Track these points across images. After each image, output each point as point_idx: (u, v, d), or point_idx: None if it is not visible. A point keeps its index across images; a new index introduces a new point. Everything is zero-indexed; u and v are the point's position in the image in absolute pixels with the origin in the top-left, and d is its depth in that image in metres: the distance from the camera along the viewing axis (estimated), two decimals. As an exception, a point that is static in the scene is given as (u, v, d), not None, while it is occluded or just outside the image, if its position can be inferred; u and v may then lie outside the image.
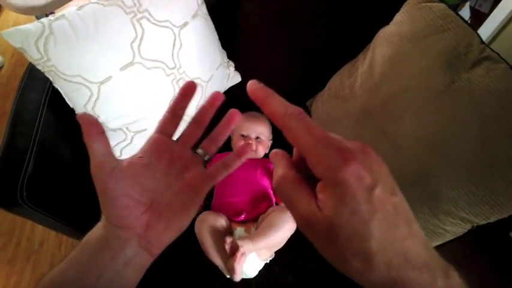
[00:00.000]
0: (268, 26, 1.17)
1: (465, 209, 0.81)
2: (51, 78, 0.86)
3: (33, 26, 0.80)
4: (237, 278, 0.85)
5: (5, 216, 1.45)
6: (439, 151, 0.82)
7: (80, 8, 0.85)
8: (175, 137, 0.39)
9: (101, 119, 0.93)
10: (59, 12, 0.85)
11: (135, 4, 0.89)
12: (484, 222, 0.81)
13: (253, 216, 0.99)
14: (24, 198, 0.83)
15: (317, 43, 1.16)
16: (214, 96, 0.38)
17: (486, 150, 0.76)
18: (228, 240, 0.86)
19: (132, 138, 1.00)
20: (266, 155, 1.12)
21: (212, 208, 1.01)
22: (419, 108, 0.85)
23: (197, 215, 0.93)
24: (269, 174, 1.03)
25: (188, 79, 1.04)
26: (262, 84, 0.29)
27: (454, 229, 0.86)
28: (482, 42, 0.81)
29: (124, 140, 0.99)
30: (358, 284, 0.26)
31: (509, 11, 1.22)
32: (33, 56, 0.80)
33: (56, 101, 0.92)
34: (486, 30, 1.31)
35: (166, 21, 0.94)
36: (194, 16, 1.00)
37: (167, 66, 0.97)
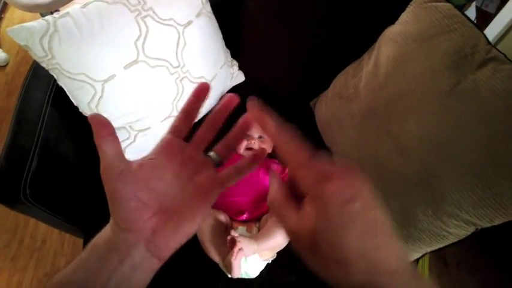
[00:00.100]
0: (272, 25, 1.17)
1: (469, 212, 0.80)
2: (55, 76, 0.86)
3: (37, 23, 0.80)
4: (234, 274, 0.85)
5: (8, 213, 1.46)
6: (443, 152, 0.82)
7: (85, 5, 0.85)
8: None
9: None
10: (63, 10, 0.85)
11: (139, 2, 0.89)
12: (489, 225, 0.81)
13: (255, 216, 0.98)
14: (28, 196, 0.83)
15: (321, 42, 1.15)
16: (229, 99, 0.38)
17: (491, 152, 0.75)
18: (233, 233, 0.86)
19: (135, 136, 1.00)
20: (269, 155, 1.12)
21: (213, 207, 1.01)
22: (424, 108, 0.84)
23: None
24: (272, 173, 1.02)
25: (192, 78, 1.03)
26: (261, 103, 0.33)
27: (457, 231, 0.86)
28: (488, 42, 0.81)
29: (127, 138, 0.99)
30: None
31: (516, 11, 1.21)
32: (38, 53, 0.80)
33: (60, 99, 0.92)
34: (492, 30, 1.29)
35: (171, 19, 0.94)
36: (198, 15, 1.00)
37: (171, 64, 0.97)
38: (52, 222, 0.99)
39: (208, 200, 0.35)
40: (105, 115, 0.97)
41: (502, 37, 1.29)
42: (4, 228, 1.55)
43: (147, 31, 0.90)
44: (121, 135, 0.98)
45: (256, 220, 0.98)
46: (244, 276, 0.90)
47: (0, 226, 1.55)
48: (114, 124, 0.94)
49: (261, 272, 0.92)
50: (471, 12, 1.58)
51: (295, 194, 0.31)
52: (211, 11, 1.07)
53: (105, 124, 0.30)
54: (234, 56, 1.25)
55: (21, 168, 0.84)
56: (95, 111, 0.91)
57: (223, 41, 1.16)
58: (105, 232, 0.32)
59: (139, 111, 0.97)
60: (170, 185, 0.34)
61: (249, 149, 1.05)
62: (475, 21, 0.83)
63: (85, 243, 1.00)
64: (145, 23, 0.89)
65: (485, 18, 1.52)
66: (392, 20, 0.96)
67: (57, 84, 0.88)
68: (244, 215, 0.97)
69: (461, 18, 0.82)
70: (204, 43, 1.05)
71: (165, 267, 0.33)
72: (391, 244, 0.27)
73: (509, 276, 1.50)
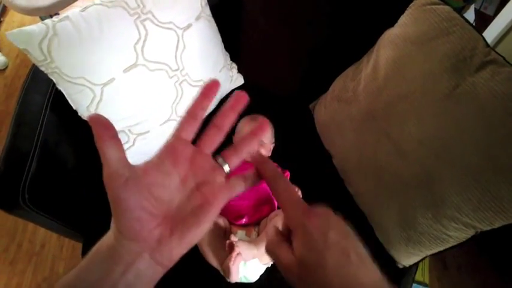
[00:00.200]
0: (271, 27, 1.17)
1: (469, 215, 0.80)
2: (54, 80, 0.86)
3: (37, 27, 0.80)
4: (233, 279, 0.84)
5: (7, 217, 1.45)
6: (442, 155, 0.82)
7: (84, 9, 0.85)
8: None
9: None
10: (63, 13, 0.85)
11: (138, 5, 0.89)
12: (488, 228, 0.81)
13: (255, 220, 0.98)
14: (26, 200, 0.83)
15: (321, 45, 1.15)
16: (237, 97, 0.36)
17: (490, 154, 0.75)
18: (233, 237, 0.85)
19: (134, 140, 1.00)
20: (269, 158, 1.11)
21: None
22: (423, 111, 0.84)
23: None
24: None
25: (191, 81, 1.03)
26: (260, 153, 0.38)
27: (457, 235, 0.85)
28: (487, 45, 0.81)
29: (126, 142, 0.99)
30: None
31: (515, 14, 1.22)
32: (37, 57, 0.80)
33: (59, 102, 0.92)
34: (491, 33, 1.30)
35: (170, 22, 0.94)
36: (198, 18, 1.00)
37: (170, 68, 0.97)
38: (51, 227, 0.98)
39: (214, 209, 0.33)
40: (104, 119, 0.96)
41: (500, 39, 1.29)
42: (3, 232, 1.55)
43: (147, 34, 0.90)
44: (120, 138, 0.98)
45: (256, 224, 0.98)
46: (243, 280, 0.90)
47: (-2, 230, 1.55)
48: (113, 128, 0.95)
49: (260, 276, 0.92)
50: (470, 15, 1.59)
51: (289, 238, 0.35)
52: (210, 14, 1.07)
53: (107, 125, 0.29)
54: (233, 58, 1.25)
55: (20, 173, 0.84)
56: (94, 114, 0.91)
57: (222, 44, 1.16)
58: (108, 238, 0.31)
59: (139, 115, 0.97)
60: (176, 194, 0.33)
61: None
62: (473, 24, 0.83)
63: (84, 247, 1.00)
64: (144, 27, 0.89)
65: (484, 20, 1.52)
66: (391, 22, 0.96)
67: (57, 88, 0.88)
68: (244, 219, 0.97)
69: (460, 20, 0.82)
70: (203, 46, 1.05)
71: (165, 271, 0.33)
72: (366, 267, 0.31)
73: (509, 279, 1.50)
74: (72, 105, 0.90)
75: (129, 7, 0.88)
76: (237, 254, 0.83)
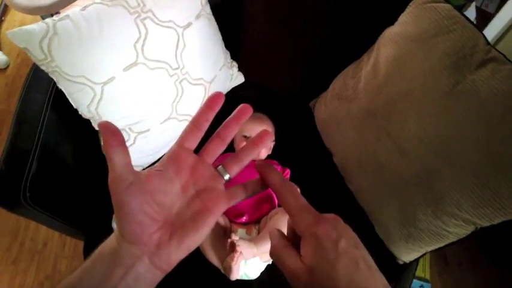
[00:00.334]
0: (272, 26, 1.17)
1: (469, 211, 0.80)
2: (55, 79, 0.86)
3: (37, 26, 0.80)
4: (233, 277, 0.85)
5: (9, 216, 1.46)
6: (442, 153, 0.82)
7: (84, 8, 0.86)
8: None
9: (104, 120, 0.93)
10: (63, 12, 0.85)
11: (139, 4, 0.89)
12: (488, 224, 0.81)
13: (255, 219, 0.98)
14: (28, 199, 0.84)
15: (320, 43, 1.15)
16: (242, 110, 0.38)
17: (490, 152, 0.75)
18: (234, 236, 0.86)
19: (135, 138, 1.00)
20: (269, 156, 1.12)
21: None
22: (423, 109, 0.84)
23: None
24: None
25: (191, 79, 1.04)
26: (266, 162, 0.38)
27: (457, 231, 0.86)
28: (487, 43, 0.81)
29: (127, 140, 0.99)
30: None
31: (515, 11, 1.21)
32: (38, 56, 0.81)
33: (59, 101, 0.92)
34: (492, 30, 1.30)
35: (170, 21, 0.94)
36: (198, 16, 1.00)
37: (170, 66, 0.97)
38: (52, 225, 0.99)
39: (212, 216, 0.35)
40: (105, 117, 0.98)
41: (501, 37, 1.29)
42: (5, 231, 1.55)
43: (147, 33, 0.90)
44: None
45: (256, 222, 0.98)
46: (244, 277, 0.90)
47: (1, 229, 1.56)
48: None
49: (261, 273, 0.92)
50: (471, 12, 1.58)
51: (294, 243, 0.35)
52: (210, 13, 1.07)
53: (115, 132, 0.30)
54: (233, 57, 1.25)
55: (21, 171, 0.84)
56: (95, 113, 0.91)
57: (222, 42, 1.16)
58: (111, 241, 0.32)
59: (139, 113, 0.97)
60: (176, 199, 0.34)
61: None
62: (474, 21, 0.83)
63: (86, 245, 1.00)
64: (144, 25, 0.89)
65: (485, 18, 1.51)
66: (391, 20, 0.96)
67: (57, 87, 0.88)
68: (244, 218, 0.97)
69: (460, 18, 0.82)
70: (204, 45, 1.05)
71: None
72: (374, 275, 0.32)
73: (509, 275, 1.50)
74: (72, 104, 0.91)
75: (129, 6, 0.88)
76: (239, 253, 0.83)
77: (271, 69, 1.27)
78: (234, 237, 0.86)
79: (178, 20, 0.95)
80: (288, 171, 1.08)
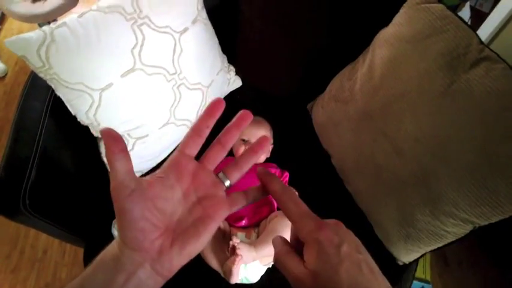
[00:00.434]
0: (268, 29, 1.18)
1: (466, 210, 0.81)
2: (53, 86, 0.86)
3: (34, 34, 0.80)
4: (233, 280, 0.85)
5: (9, 224, 1.46)
6: (439, 152, 0.82)
7: (81, 15, 0.86)
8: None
9: (103, 126, 0.93)
10: (61, 20, 0.85)
11: (135, 10, 0.89)
12: (486, 223, 0.81)
13: (254, 222, 0.98)
14: (27, 206, 0.84)
15: (317, 46, 1.16)
16: (242, 116, 0.38)
17: (486, 150, 0.76)
18: (235, 239, 0.86)
19: (133, 144, 1.00)
20: (268, 159, 1.12)
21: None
22: (419, 109, 0.85)
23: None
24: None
25: (189, 84, 1.04)
26: (267, 170, 0.38)
27: (455, 230, 0.86)
28: (481, 42, 0.81)
29: (126, 146, 0.99)
30: None
31: (509, 10, 1.22)
32: (35, 64, 0.81)
33: (58, 108, 0.92)
34: (486, 30, 1.31)
35: (167, 27, 0.94)
36: (194, 21, 1.01)
37: (168, 72, 0.98)
38: (52, 232, 0.99)
39: (214, 222, 0.35)
40: (103, 124, 0.98)
41: (495, 36, 1.30)
42: (5, 239, 1.55)
43: (144, 39, 0.91)
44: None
45: (255, 226, 0.98)
46: (244, 281, 0.90)
47: (0, 237, 1.55)
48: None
49: (261, 277, 0.92)
50: (465, 12, 1.59)
51: (297, 250, 0.35)
52: (207, 18, 1.08)
53: (117, 139, 0.30)
54: (230, 61, 1.25)
55: (21, 179, 0.84)
56: (93, 120, 0.91)
57: (219, 46, 1.17)
58: (112, 248, 0.32)
59: (137, 119, 0.98)
60: (178, 206, 0.35)
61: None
62: (469, 21, 0.84)
63: (86, 252, 1.00)
64: (141, 31, 0.90)
65: (479, 17, 1.53)
66: (386, 22, 0.97)
67: (56, 94, 0.89)
68: (243, 221, 0.97)
69: (453, 18, 0.83)
70: (200, 49, 1.05)
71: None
72: (377, 279, 0.32)
73: (509, 274, 1.50)
74: (71, 110, 0.91)
75: (125, 12, 0.88)
76: (239, 256, 0.83)
77: (268, 72, 1.28)
78: (235, 241, 0.86)
79: (174, 25, 0.96)
80: (286, 174, 1.08)
